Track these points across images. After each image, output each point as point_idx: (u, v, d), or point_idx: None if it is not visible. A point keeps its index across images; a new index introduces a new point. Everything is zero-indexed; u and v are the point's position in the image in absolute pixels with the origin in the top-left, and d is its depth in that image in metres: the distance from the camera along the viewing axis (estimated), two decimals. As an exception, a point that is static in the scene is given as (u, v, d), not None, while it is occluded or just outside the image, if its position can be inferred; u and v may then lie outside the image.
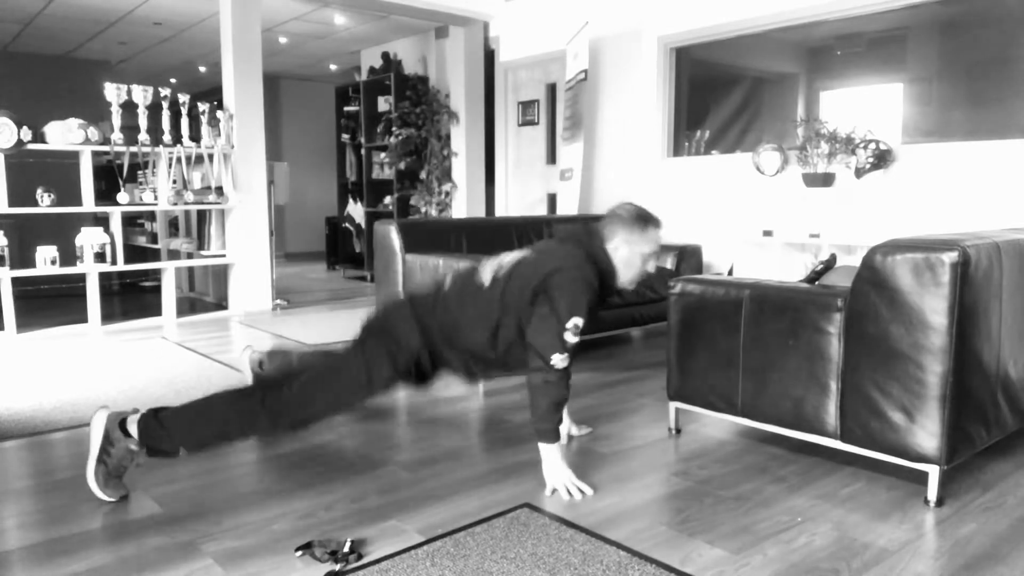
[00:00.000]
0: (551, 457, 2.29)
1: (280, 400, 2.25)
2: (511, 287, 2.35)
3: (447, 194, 7.42)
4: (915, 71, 4.68)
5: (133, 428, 2.18)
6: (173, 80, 10.56)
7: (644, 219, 2.40)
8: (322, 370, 2.35)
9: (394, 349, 2.35)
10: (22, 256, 5.07)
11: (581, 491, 2.23)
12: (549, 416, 2.27)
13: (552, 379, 2.25)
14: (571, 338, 2.23)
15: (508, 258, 2.45)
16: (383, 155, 7.92)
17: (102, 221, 5.36)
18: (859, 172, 4.42)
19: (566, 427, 2.70)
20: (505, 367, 2.48)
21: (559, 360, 2.23)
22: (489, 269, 2.44)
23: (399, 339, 2.37)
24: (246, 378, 3.11)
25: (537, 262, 2.36)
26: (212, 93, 7.02)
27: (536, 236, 4.86)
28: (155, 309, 5.61)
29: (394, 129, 7.57)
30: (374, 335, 2.41)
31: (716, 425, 2.88)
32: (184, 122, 5.39)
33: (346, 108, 8.80)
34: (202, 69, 9.88)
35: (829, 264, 2.73)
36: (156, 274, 6.19)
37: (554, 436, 2.29)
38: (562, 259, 2.33)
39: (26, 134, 4.55)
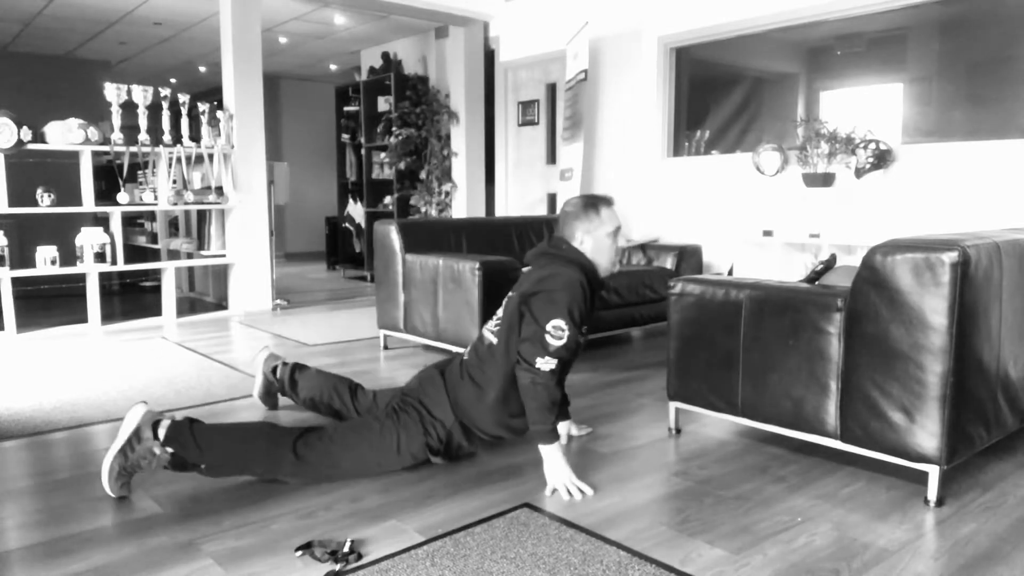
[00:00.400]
0: (551, 457, 2.30)
1: (311, 452, 2.28)
2: (503, 329, 2.41)
3: (447, 194, 7.42)
4: (915, 71, 4.68)
5: (162, 432, 2.20)
6: (173, 80, 10.56)
7: (592, 203, 2.44)
8: (355, 433, 2.39)
9: (427, 423, 2.40)
10: (22, 256, 5.07)
11: (581, 491, 2.24)
12: (543, 418, 2.28)
13: (540, 381, 2.26)
14: (553, 341, 2.26)
15: (500, 311, 2.51)
16: (383, 155, 7.92)
17: (102, 221, 5.36)
18: (859, 172, 4.42)
19: (566, 428, 2.71)
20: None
21: (543, 363, 2.26)
22: (488, 326, 2.51)
23: (433, 413, 2.42)
24: (256, 382, 3.10)
25: (519, 292, 2.41)
26: (212, 93, 7.02)
27: (536, 236, 4.86)
28: (155, 309, 5.61)
29: (394, 129, 7.56)
30: (410, 406, 2.45)
31: (716, 425, 2.88)
32: (184, 122, 5.39)
33: (346, 108, 8.80)
34: (202, 69, 9.88)
35: (829, 264, 2.73)
36: (156, 274, 6.19)
37: (551, 436, 2.30)
38: (539, 275, 2.37)
39: (26, 134, 4.55)
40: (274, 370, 3.04)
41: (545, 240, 2.56)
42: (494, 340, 2.44)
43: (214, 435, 2.26)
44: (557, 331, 2.27)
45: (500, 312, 2.50)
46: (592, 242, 2.42)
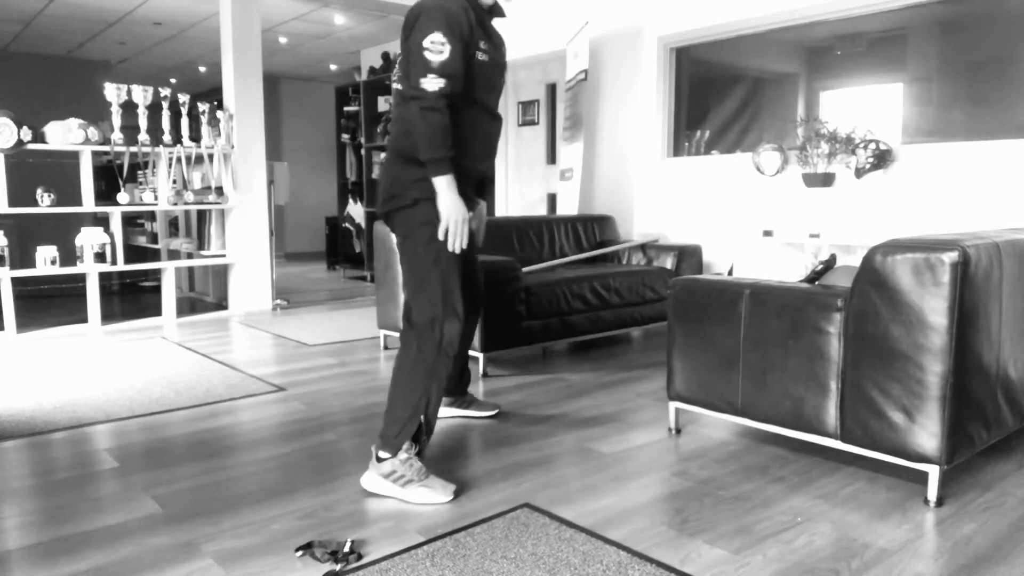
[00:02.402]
0: (445, 190, 2.21)
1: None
2: (402, 71, 2.30)
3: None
4: (915, 71, 4.68)
5: (385, 452, 2.25)
6: (173, 80, 10.56)
7: None
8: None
9: (417, 225, 2.32)
10: (22, 256, 5.07)
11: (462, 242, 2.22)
12: (434, 144, 2.18)
13: (427, 104, 2.16)
14: (433, 56, 2.15)
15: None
16: (383, 155, 7.92)
17: (102, 221, 5.36)
18: (859, 172, 4.42)
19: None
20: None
21: (427, 82, 2.15)
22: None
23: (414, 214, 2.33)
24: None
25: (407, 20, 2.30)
26: (212, 93, 7.02)
27: (536, 236, 4.87)
28: (155, 309, 5.61)
29: (394, 129, 7.56)
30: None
31: (716, 425, 2.88)
32: (184, 122, 5.39)
33: (346, 108, 8.80)
34: (202, 69, 9.88)
35: (829, 264, 2.73)
36: (156, 274, 6.19)
37: (445, 166, 2.20)
38: (419, 8, 2.25)
39: (26, 134, 4.55)
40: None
41: None
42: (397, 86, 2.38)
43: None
44: (435, 45, 2.15)
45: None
46: None
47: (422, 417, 2.25)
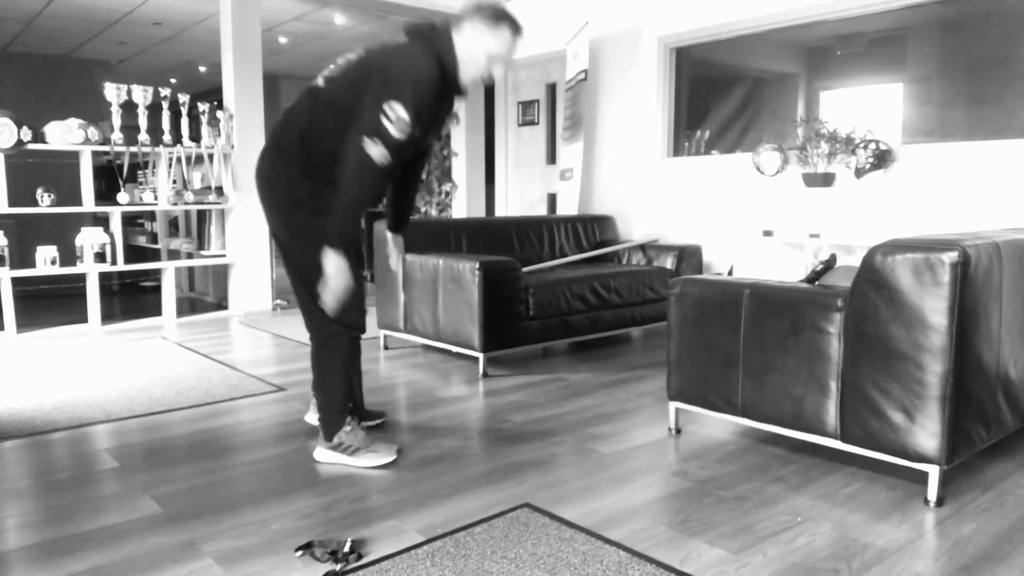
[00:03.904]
0: (335, 264, 2.20)
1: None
2: (339, 85, 2.23)
3: (447, 194, 7.42)
4: (915, 71, 4.68)
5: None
6: (173, 80, 10.56)
7: (499, 15, 2.22)
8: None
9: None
10: (22, 256, 5.07)
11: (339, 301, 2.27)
12: (348, 229, 2.18)
13: (368, 166, 2.10)
14: (391, 128, 2.09)
15: (342, 59, 2.31)
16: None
17: (102, 221, 5.36)
18: (859, 172, 4.42)
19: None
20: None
21: (372, 147, 2.09)
22: (323, 73, 2.34)
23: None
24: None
25: (370, 60, 2.23)
26: (212, 93, 7.02)
27: (536, 236, 4.87)
28: (155, 309, 5.61)
29: (394, 129, 7.56)
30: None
31: (716, 425, 2.88)
32: (184, 122, 5.39)
33: (346, 108, 8.79)
34: (202, 69, 9.88)
35: (829, 264, 2.73)
36: (156, 274, 6.19)
37: (339, 240, 2.18)
38: (395, 54, 2.19)
39: (26, 134, 4.55)
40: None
41: (433, 19, 2.30)
42: (320, 83, 2.28)
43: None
44: (399, 122, 2.09)
45: (340, 60, 2.32)
46: (471, 47, 2.20)
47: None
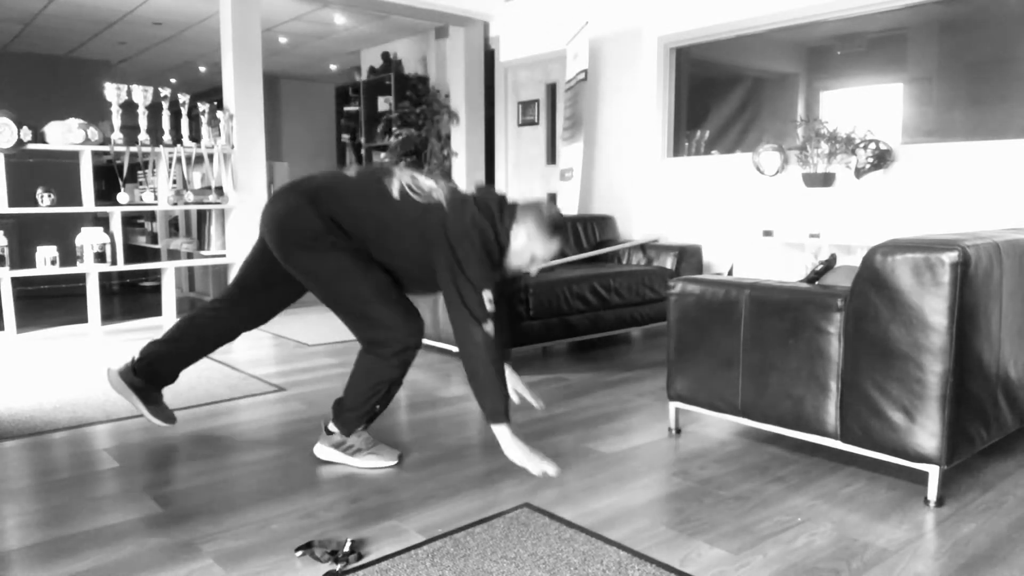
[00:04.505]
0: (504, 438, 2.34)
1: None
2: (428, 221, 2.33)
3: (447, 194, 7.41)
4: (915, 71, 4.68)
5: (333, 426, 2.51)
6: (173, 80, 10.55)
7: (556, 227, 2.42)
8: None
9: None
10: (22, 256, 5.07)
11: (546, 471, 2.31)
12: (490, 389, 2.29)
13: (490, 343, 2.27)
14: (486, 304, 2.27)
15: (425, 184, 2.41)
16: (383, 155, 7.92)
17: (102, 221, 5.36)
18: (859, 172, 4.42)
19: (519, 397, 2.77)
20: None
21: (487, 326, 2.26)
22: (398, 183, 2.39)
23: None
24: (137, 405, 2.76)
25: (448, 217, 2.33)
26: (212, 93, 7.02)
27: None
28: (155, 309, 5.61)
29: (394, 129, 7.57)
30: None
31: (716, 425, 2.88)
32: (184, 122, 5.39)
33: (346, 108, 8.80)
34: (202, 69, 9.88)
35: (829, 264, 2.73)
36: (156, 274, 6.19)
37: (501, 416, 2.31)
38: (469, 225, 2.31)
39: (26, 134, 4.55)
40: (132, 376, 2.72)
41: (502, 198, 2.43)
42: (395, 194, 2.35)
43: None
44: (490, 302, 2.28)
45: (424, 185, 2.40)
46: (524, 245, 2.39)
47: (378, 406, 2.49)
